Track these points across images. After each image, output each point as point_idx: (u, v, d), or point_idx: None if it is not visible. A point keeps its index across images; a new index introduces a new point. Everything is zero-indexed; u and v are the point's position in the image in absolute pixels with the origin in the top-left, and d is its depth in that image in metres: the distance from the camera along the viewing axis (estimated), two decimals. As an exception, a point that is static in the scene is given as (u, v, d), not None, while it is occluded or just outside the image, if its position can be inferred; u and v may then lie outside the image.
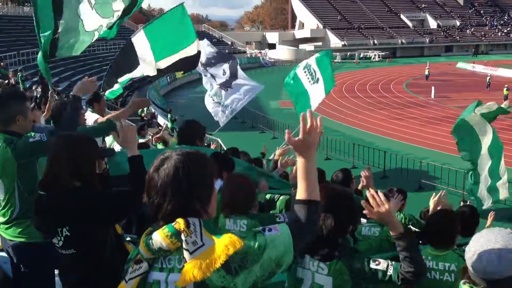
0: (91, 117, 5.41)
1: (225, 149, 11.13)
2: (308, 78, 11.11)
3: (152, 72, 7.25)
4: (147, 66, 7.15)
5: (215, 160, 4.15)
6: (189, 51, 6.95)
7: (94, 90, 4.36)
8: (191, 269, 1.57)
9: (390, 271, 2.28)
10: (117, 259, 2.50)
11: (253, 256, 1.62)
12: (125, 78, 7.45)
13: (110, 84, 7.55)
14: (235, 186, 3.48)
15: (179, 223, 1.63)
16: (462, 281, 1.97)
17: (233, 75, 10.32)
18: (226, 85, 10.33)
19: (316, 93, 11.50)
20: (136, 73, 7.38)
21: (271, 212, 4.56)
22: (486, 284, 1.84)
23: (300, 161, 1.87)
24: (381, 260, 2.34)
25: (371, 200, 2.35)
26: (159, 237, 1.64)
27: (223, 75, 10.25)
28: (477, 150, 7.35)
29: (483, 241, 1.89)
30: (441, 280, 3.13)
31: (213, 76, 10.37)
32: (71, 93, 3.87)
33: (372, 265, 2.32)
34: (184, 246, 1.61)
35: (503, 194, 7.43)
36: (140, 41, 7.11)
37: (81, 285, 2.57)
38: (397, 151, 17.55)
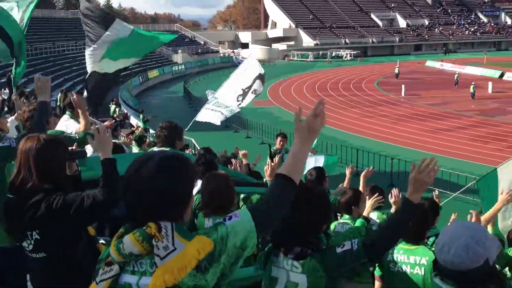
0: (71, 125, 5.39)
1: (198, 148, 11.15)
2: None
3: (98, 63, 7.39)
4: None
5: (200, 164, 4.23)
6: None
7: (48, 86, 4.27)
8: (163, 274, 1.55)
9: (355, 246, 2.32)
10: (89, 261, 2.46)
11: (219, 249, 1.62)
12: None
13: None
14: (214, 186, 3.48)
15: (151, 228, 1.60)
16: (433, 273, 2.03)
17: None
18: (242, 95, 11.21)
19: None
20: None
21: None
22: (455, 276, 1.90)
23: (296, 144, 1.92)
24: (345, 242, 2.37)
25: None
26: (130, 241, 1.61)
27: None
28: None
29: (452, 234, 1.95)
30: (412, 273, 3.20)
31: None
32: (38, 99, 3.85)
33: (339, 250, 2.34)
34: (155, 251, 1.58)
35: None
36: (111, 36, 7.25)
37: (53, 289, 2.53)
38: (369, 149, 17.78)
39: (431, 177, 2.32)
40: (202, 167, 4.29)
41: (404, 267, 3.29)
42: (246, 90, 11.22)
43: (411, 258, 3.25)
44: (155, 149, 4.66)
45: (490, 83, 36.51)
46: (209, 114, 11.51)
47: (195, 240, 1.61)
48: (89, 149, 5.33)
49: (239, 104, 11.25)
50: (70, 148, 3.13)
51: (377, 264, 3.51)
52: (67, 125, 5.43)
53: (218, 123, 11.71)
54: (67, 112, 5.57)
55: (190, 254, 1.58)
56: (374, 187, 4.79)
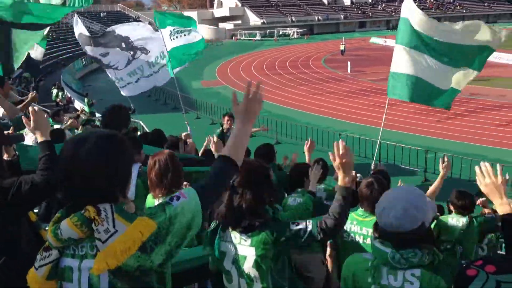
0: None
1: (147, 131, 10.93)
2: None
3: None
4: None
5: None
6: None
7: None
8: (105, 257, 1.52)
9: (310, 227, 2.40)
10: (33, 248, 2.41)
11: (165, 230, 1.61)
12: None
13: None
14: (162, 165, 3.43)
15: (89, 211, 1.56)
16: (373, 237, 2.14)
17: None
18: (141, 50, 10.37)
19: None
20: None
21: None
22: (393, 237, 2.02)
23: (236, 126, 1.97)
24: (299, 221, 2.46)
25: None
26: (68, 226, 1.57)
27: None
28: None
29: (391, 197, 2.07)
30: (364, 243, 3.35)
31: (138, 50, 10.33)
32: None
33: (293, 227, 2.42)
34: (95, 235, 1.54)
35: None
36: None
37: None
38: (318, 125, 18.13)
39: (352, 158, 2.47)
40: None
41: (357, 238, 3.44)
42: (135, 45, 10.32)
43: (363, 230, 3.39)
44: None
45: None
46: (134, 87, 10.71)
47: (137, 221, 1.57)
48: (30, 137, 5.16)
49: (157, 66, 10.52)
50: (6, 132, 3.02)
51: None
52: None
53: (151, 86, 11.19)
54: None
55: (133, 236, 1.54)
56: (318, 160, 4.90)
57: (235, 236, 2.48)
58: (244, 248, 2.45)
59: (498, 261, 1.60)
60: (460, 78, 7.80)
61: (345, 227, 3.50)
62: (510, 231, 2.16)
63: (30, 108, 2.72)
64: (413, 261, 1.98)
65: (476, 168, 2.29)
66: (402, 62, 8.02)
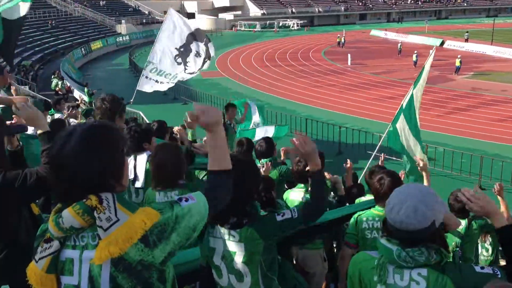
0: None
1: (147, 122, 10.91)
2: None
3: None
4: None
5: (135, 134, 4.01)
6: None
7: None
8: (107, 245, 1.52)
9: (295, 214, 2.47)
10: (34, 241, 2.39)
11: (171, 227, 1.61)
12: None
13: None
14: (162, 157, 3.38)
15: (91, 200, 1.55)
16: (380, 235, 2.11)
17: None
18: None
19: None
20: None
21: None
22: (401, 235, 1.99)
23: (207, 137, 1.94)
24: (284, 211, 2.51)
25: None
26: (70, 215, 1.55)
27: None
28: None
29: (402, 194, 2.03)
30: None
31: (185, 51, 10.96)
32: None
33: (279, 218, 2.46)
34: (97, 223, 1.53)
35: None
36: None
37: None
38: (318, 118, 18.08)
39: (311, 146, 2.58)
40: (131, 141, 3.97)
41: (380, 233, 3.39)
42: (182, 50, 10.95)
43: None
44: None
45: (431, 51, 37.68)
46: (151, 84, 11.19)
47: (139, 211, 1.59)
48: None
49: (186, 70, 11.04)
50: (9, 122, 2.98)
51: (349, 232, 3.62)
52: None
53: (164, 89, 11.60)
54: None
55: (135, 224, 1.55)
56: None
57: (223, 232, 2.49)
58: (233, 244, 2.47)
59: None
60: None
61: (366, 225, 3.49)
62: (508, 246, 2.11)
63: (19, 105, 2.67)
64: (420, 259, 1.94)
65: (462, 198, 2.25)
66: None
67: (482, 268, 1.94)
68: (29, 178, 2.39)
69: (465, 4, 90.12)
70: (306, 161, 2.62)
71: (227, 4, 76.95)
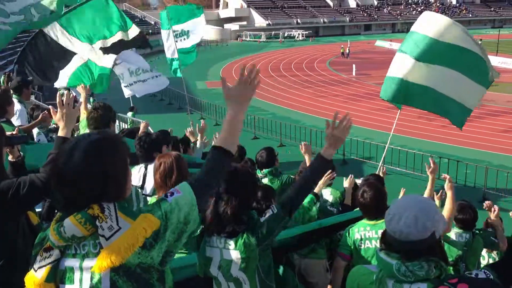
0: (22, 112, 5.58)
1: (151, 131, 10.89)
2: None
3: (94, 54, 7.99)
4: (83, 50, 7.82)
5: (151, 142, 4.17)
6: (130, 33, 8.35)
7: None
8: (109, 254, 1.53)
9: (275, 209, 2.50)
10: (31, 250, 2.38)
11: (164, 226, 1.63)
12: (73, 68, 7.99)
13: (51, 77, 7.94)
14: (167, 166, 3.39)
15: (93, 209, 1.57)
16: (378, 249, 2.09)
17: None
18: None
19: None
20: (78, 60, 8.07)
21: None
22: (401, 247, 1.97)
23: (229, 113, 1.94)
24: (266, 211, 2.55)
25: None
26: (72, 224, 1.56)
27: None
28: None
29: (402, 204, 2.01)
30: (376, 246, 3.30)
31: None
32: None
33: (262, 219, 2.51)
34: (99, 232, 1.55)
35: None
36: (56, 31, 7.70)
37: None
38: (322, 128, 17.97)
39: (346, 133, 2.53)
40: (142, 151, 4.19)
41: (373, 242, 3.40)
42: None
43: (379, 232, 3.34)
44: (87, 131, 4.47)
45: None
46: (142, 86, 10.83)
47: (140, 218, 1.60)
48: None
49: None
50: (9, 133, 3.00)
51: (343, 243, 3.63)
52: (18, 111, 5.36)
53: (165, 86, 11.64)
54: (14, 96, 5.33)
55: (137, 232, 1.57)
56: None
57: (220, 241, 2.51)
58: (229, 252, 2.49)
59: (473, 280, 1.66)
60: (472, 95, 7.92)
61: (359, 235, 3.49)
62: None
63: (64, 99, 2.71)
64: (419, 274, 1.90)
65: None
66: (404, 68, 8.14)
67: (477, 275, 1.91)
68: (22, 187, 2.37)
69: (470, 15, 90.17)
70: (328, 143, 2.58)
71: (233, 14, 77.41)
